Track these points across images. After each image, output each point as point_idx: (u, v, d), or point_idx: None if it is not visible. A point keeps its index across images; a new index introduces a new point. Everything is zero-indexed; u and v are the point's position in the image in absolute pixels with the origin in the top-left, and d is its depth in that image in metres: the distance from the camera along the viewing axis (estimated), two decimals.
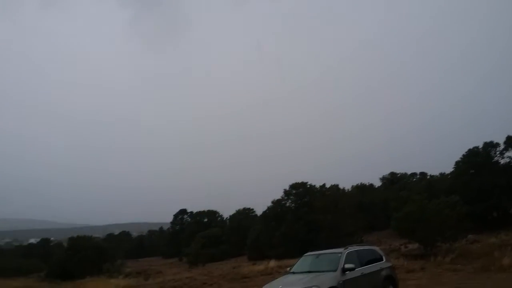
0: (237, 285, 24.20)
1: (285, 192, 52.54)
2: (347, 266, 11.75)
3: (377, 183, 71.72)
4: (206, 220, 76.00)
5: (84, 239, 52.41)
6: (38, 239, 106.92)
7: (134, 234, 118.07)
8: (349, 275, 11.66)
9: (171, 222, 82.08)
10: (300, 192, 51.25)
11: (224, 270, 34.39)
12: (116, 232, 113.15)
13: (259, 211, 64.90)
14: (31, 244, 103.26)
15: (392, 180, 67.82)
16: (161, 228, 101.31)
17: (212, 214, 77.37)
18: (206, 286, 25.16)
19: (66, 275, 42.72)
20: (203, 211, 78.31)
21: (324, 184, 52.62)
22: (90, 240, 53.19)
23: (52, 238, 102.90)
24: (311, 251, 14.34)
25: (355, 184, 70.35)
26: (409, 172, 70.52)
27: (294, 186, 51.92)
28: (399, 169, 78.72)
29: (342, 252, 12.43)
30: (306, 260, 13.39)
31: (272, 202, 53.48)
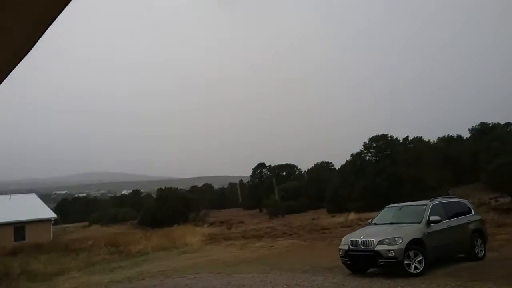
0: (317, 236, 24.40)
1: (365, 145, 51.25)
2: (432, 218, 11.30)
3: (466, 135, 67.56)
4: (284, 173, 76.93)
5: (171, 190, 55.55)
6: (130, 191, 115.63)
7: (216, 186, 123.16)
8: (435, 227, 11.22)
9: (251, 175, 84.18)
10: (380, 145, 49.68)
11: (303, 222, 34.86)
12: (199, 184, 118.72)
13: (337, 164, 64.41)
14: (123, 195, 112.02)
15: (483, 131, 63.21)
16: (241, 181, 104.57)
17: (290, 168, 78.08)
18: (286, 236, 25.71)
19: (155, 223, 45.89)
20: (281, 165, 79.22)
21: (407, 137, 50.56)
22: (176, 191, 56.26)
23: (142, 190, 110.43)
24: (394, 203, 13.95)
25: (441, 136, 66.96)
26: (502, 122, 65.31)
27: (374, 139, 50.38)
28: (490, 119, 73.23)
29: (427, 204, 11.98)
30: (388, 212, 13.03)
31: (351, 155, 52.57)
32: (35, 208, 41.57)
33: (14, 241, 36.65)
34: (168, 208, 48.77)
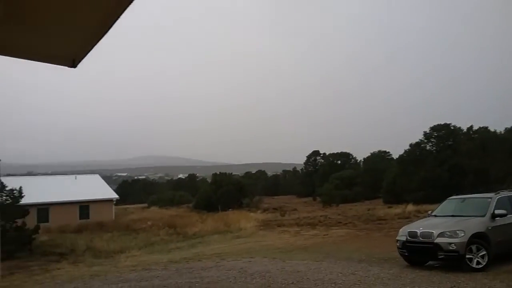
0: (373, 226, 23.93)
1: (425, 134, 49.32)
2: (497, 211, 10.75)
3: None
4: (339, 162, 75.85)
5: (225, 175, 56.47)
6: (186, 175, 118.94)
7: (269, 173, 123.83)
8: (499, 221, 10.67)
9: (305, 163, 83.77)
10: (442, 134, 47.62)
11: (359, 211, 34.29)
12: (253, 171, 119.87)
13: (395, 154, 62.56)
14: (180, 179, 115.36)
15: None
16: (294, 169, 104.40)
17: (345, 156, 76.82)
18: (340, 225, 25.42)
19: (210, 207, 46.95)
20: (336, 153, 78.13)
21: (471, 126, 48.06)
22: (230, 176, 57.10)
23: (197, 174, 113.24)
24: (456, 195, 13.40)
25: (509, 126, 62.89)
26: None
27: (436, 128, 48.35)
28: None
29: (493, 197, 11.39)
30: (450, 204, 12.51)
31: (410, 145, 50.83)
32: (98, 189, 43.80)
33: (80, 219, 38.91)
34: (222, 192, 49.68)
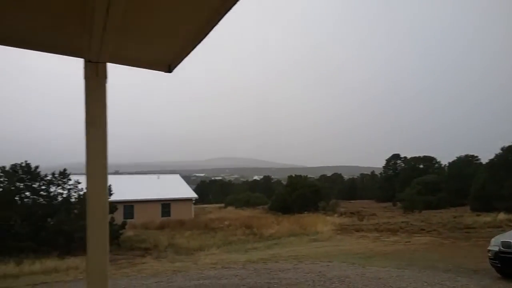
0: (459, 235, 22.45)
1: None
2: None
3: None
4: (421, 166, 72.20)
5: (301, 178, 56.11)
6: (261, 176, 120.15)
7: (346, 176, 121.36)
8: None
9: (384, 167, 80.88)
10: None
11: (444, 219, 32.37)
12: (328, 173, 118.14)
13: (484, 159, 58.32)
14: (255, 180, 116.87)
15: None
16: (372, 172, 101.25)
17: (428, 160, 72.92)
18: (423, 232, 24.13)
19: (286, 209, 46.89)
20: (418, 157, 74.45)
21: None
22: (306, 179, 56.64)
23: (272, 176, 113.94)
24: None
25: None
26: None
27: None
28: None
29: None
30: None
31: (502, 149, 47.14)
32: (179, 188, 45.61)
33: (162, 216, 40.74)
34: (298, 195, 49.41)
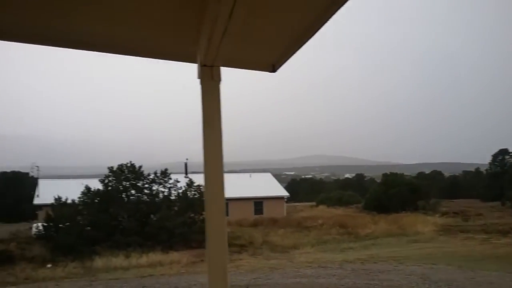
0: None
1: None
2: None
3: None
4: None
5: (397, 175, 53.77)
6: (353, 174, 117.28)
7: (446, 174, 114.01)
8: None
9: (490, 163, 74.63)
10: None
11: None
12: (427, 171, 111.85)
13: None
14: (347, 179, 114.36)
15: None
16: (477, 169, 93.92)
17: None
18: None
19: (381, 208, 45.14)
20: None
21: None
22: (402, 177, 54.21)
23: (365, 174, 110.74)
24: None
25: None
26: None
27: None
28: None
29: None
30: None
31: None
32: (270, 186, 46.17)
33: (254, 214, 41.50)
34: (394, 194, 47.31)
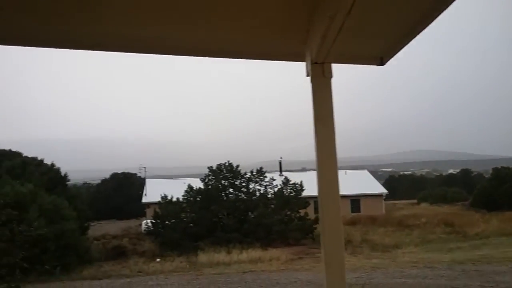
0: None
1: None
2: None
3: None
4: None
5: (509, 170, 49.20)
6: (457, 170, 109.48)
7: None
8: None
9: None
10: None
11: None
12: None
13: None
14: (451, 174, 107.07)
15: None
16: None
17: None
18: None
19: (492, 205, 41.70)
20: None
21: None
22: None
23: (471, 169, 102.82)
24: None
25: None
26: None
27: None
28: None
29: None
30: None
31: None
32: (367, 183, 44.88)
33: (351, 212, 40.61)
34: (507, 190, 43.39)
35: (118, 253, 22.69)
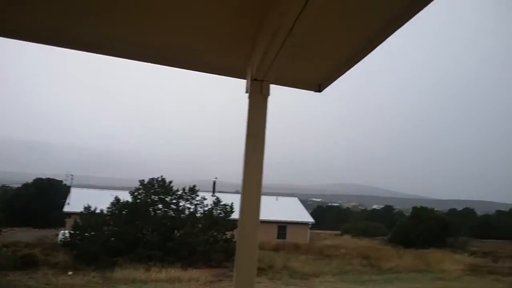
0: None
1: None
2: None
3: None
4: None
5: (427, 210, 52.47)
6: (381, 206, 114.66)
7: (479, 212, 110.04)
8: None
9: None
10: None
11: None
12: (459, 208, 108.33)
13: None
14: (374, 209, 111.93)
15: None
16: (511, 210, 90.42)
17: None
18: None
19: (408, 242, 43.98)
20: None
21: None
22: (432, 212, 52.85)
23: (394, 206, 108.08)
24: None
25: None
26: None
27: None
28: None
29: None
30: None
31: None
32: (296, 211, 45.77)
33: (277, 238, 41.08)
34: (423, 228, 46.02)
35: (27, 263, 21.27)
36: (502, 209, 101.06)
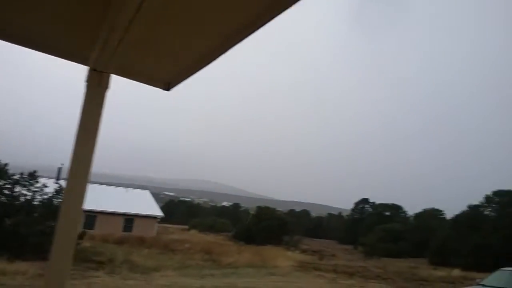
0: (412, 286, 22.79)
1: (487, 198, 47.08)
2: None
3: None
4: (388, 213, 73.25)
5: (269, 209, 56.09)
6: (231, 203, 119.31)
7: (314, 214, 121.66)
8: None
9: (352, 209, 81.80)
10: (505, 201, 45.09)
11: (400, 268, 32.82)
12: (297, 209, 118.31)
13: (449, 214, 59.77)
14: (224, 206, 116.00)
15: None
16: (340, 213, 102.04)
17: (395, 208, 74.03)
18: (379, 279, 24.38)
19: (249, 239, 46.65)
20: (386, 204, 75.60)
21: None
22: (274, 211, 56.68)
23: (242, 204, 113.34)
24: (508, 267, 12.60)
25: None
26: None
27: (499, 193, 46.00)
28: None
29: None
30: (501, 276, 11.79)
31: (469, 206, 48.52)
32: (145, 204, 44.90)
33: (123, 231, 39.93)
34: (264, 226, 49.27)
35: None
36: (334, 212, 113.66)
